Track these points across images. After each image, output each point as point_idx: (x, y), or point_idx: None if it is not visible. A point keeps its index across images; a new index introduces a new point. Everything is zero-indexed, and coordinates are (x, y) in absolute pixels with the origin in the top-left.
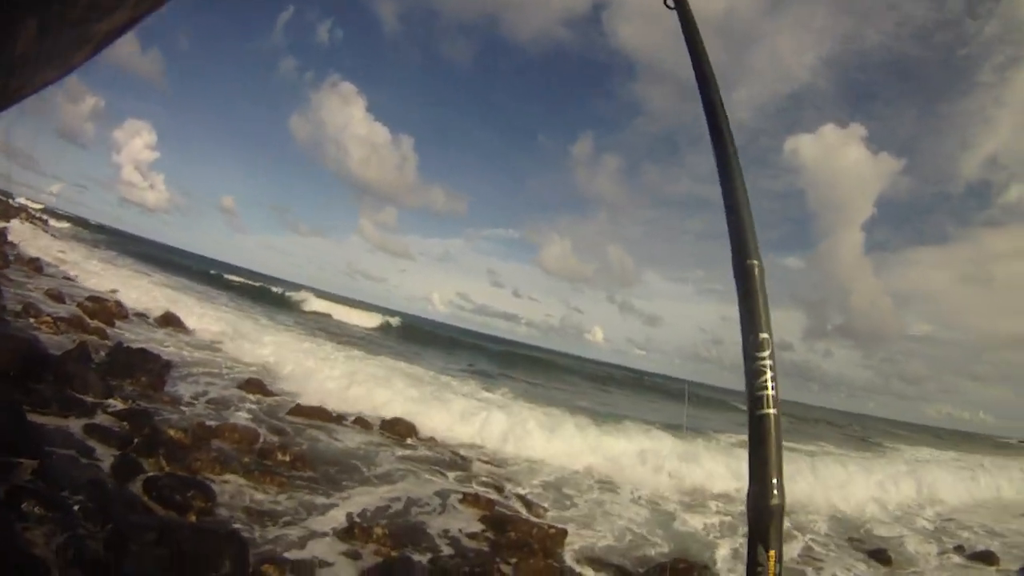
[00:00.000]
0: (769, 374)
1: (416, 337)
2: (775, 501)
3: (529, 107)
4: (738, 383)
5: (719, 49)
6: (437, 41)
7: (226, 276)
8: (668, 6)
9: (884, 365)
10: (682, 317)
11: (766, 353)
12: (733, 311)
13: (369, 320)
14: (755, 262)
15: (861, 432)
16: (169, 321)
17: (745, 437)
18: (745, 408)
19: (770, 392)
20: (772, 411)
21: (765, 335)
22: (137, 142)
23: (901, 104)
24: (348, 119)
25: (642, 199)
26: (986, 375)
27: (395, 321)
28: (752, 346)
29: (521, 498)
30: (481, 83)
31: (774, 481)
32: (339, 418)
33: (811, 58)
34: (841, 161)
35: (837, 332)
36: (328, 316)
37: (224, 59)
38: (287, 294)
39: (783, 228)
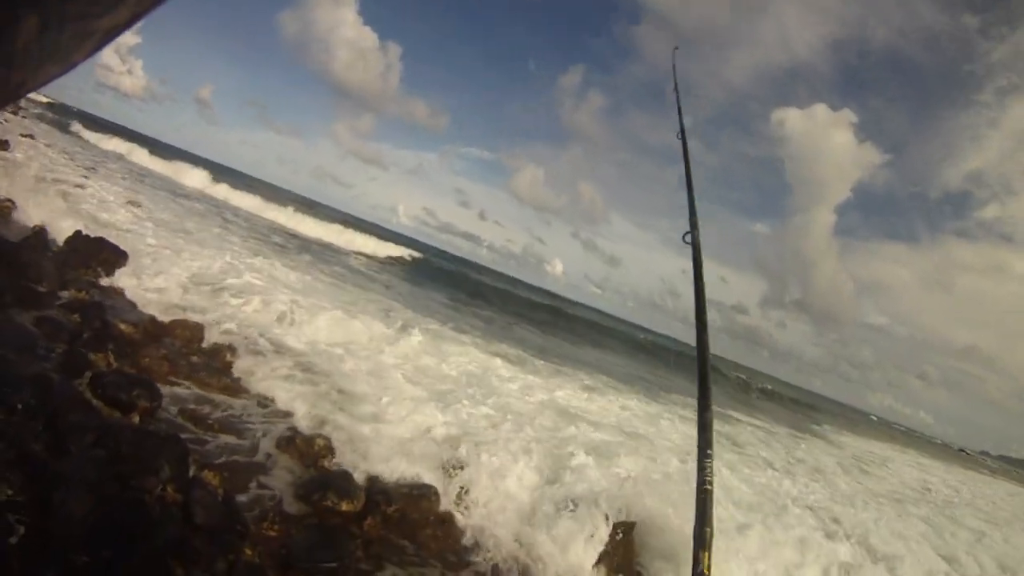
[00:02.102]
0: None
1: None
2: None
3: (525, 32)
4: (685, 335)
5: (729, 9)
6: None
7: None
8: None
9: (835, 346)
10: (643, 263)
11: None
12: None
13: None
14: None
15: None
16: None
17: None
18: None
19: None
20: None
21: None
22: None
23: (897, 102)
24: (339, 20)
25: (621, 141)
26: (931, 376)
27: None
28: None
29: None
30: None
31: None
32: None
33: (814, 37)
34: (826, 142)
35: (794, 305)
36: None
37: None
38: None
39: (753, 194)
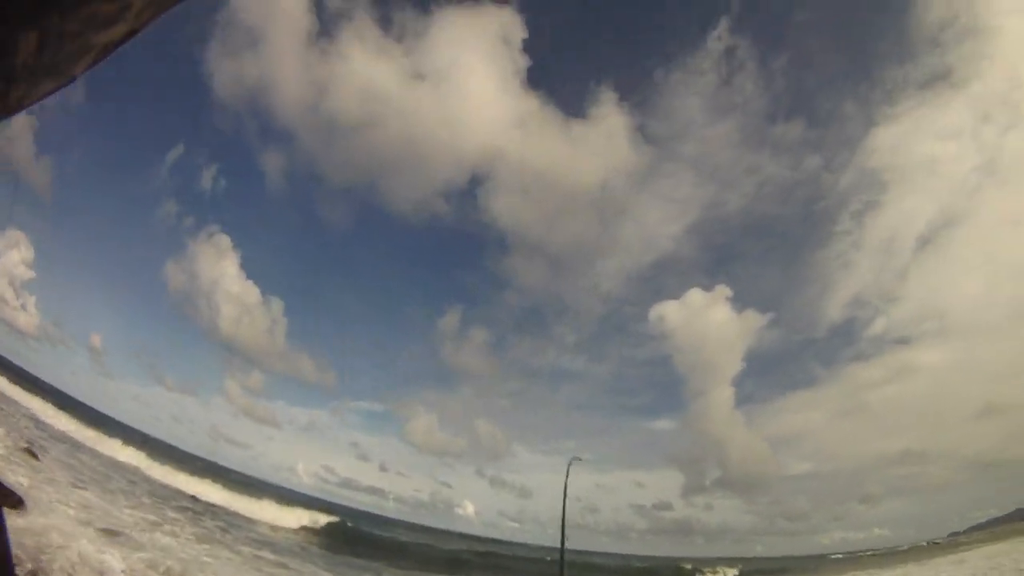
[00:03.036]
0: None
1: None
2: None
3: (400, 278)
4: (615, 546)
5: (592, 224)
6: (316, 203)
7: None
8: None
9: (768, 507)
10: (555, 487)
11: None
12: (606, 479)
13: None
14: None
15: None
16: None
17: None
18: None
19: None
20: None
21: None
22: (14, 255)
23: (764, 261)
24: (221, 274)
25: (509, 371)
26: (874, 495)
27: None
28: None
29: None
30: (355, 250)
31: None
32: None
33: (676, 227)
34: (707, 323)
35: (716, 485)
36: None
37: (111, 184)
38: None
39: (649, 395)
